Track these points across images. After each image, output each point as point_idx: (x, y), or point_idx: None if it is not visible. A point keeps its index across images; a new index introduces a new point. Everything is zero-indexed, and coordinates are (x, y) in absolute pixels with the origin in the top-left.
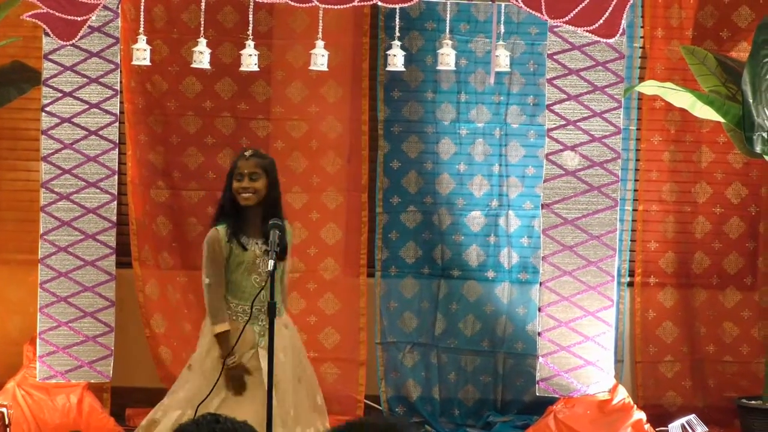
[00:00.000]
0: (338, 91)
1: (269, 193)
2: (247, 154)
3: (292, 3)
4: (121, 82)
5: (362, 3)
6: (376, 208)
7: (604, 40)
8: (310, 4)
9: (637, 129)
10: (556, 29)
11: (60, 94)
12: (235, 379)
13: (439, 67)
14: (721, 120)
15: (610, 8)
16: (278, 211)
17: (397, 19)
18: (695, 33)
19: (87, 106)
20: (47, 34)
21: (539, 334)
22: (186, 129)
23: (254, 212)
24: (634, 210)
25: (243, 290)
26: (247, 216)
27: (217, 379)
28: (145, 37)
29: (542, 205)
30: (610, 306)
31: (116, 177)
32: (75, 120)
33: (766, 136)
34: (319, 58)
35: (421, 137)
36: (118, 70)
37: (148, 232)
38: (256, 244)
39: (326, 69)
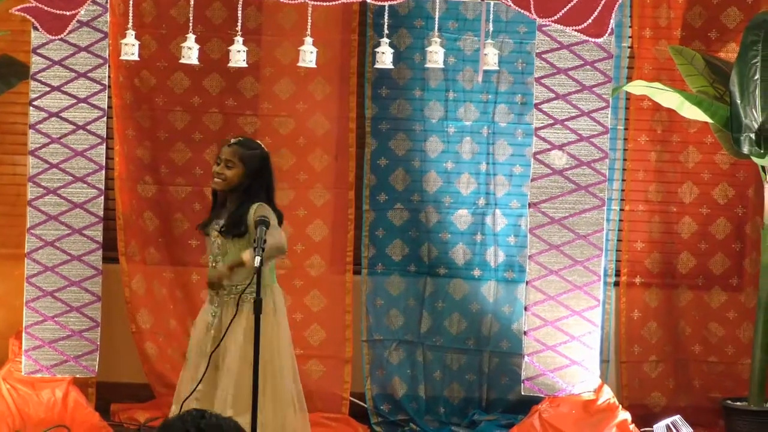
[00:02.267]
0: (326, 88)
1: (242, 183)
2: (232, 140)
3: None
4: (109, 77)
5: (351, 0)
6: (363, 205)
7: (593, 40)
8: (298, 1)
9: (624, 129)
10: (544, 28)
11: (48, 89)
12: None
13: (428, 65)
14: (709, 120)
15: (599, 8)
16: (255, 198)
17: (386, 17)
18: (683, 33)
19: (75, 101)
20: (36, 28)
21: (525, 333)
22: (174, 124)
23: (230, 197)
24: (620, 210)
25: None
26: (222, 198)
27: (203, 373)
28: (133, 32)
29: (529, 204)
30: (597, 306)
31: (104, 172)
32: (63, 114)
33: (753, 137)
34: (308, 55)
35: (409, 135)
36: (107, 65)
37: (134, 228)
38: (217, 224)
39: (314, 66)
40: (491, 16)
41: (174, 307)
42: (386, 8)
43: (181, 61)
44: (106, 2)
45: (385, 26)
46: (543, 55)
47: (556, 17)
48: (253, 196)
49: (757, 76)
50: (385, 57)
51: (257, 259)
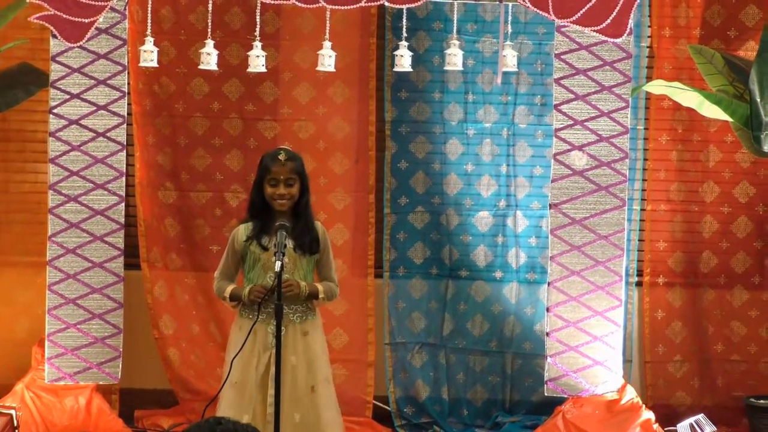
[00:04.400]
0: (345, 92)
1: (302, 195)
2: (281, 158)
3: (299, 4)
4: (128, 83)
5: (369, 3)
6: (384, 208)
7: (612, 40)
8: (317, 5)
9: (644, 128)
10: (563, 29)
11: (67, 96)
12: (256, 296)
13: (447, 68)
14: (729, 119)
15: (617, 8)
16: (308, 209)
17: (404, 20)
18: (702, 32)
19: (94, 108)
20: (54, 36)
21: (547, 334)
22: (194, 130)
23: (285, 212)
24: (642, 209)
25: None
26: (275, 216)
27: (226, 377)
28: (152, 39)
29: (550, 205)
30: (619, 306)
31: (124, 179)
32: (83, 122)
33: None
34: (327, 59)
35: (429, 137)
36: (126, 72)
37: (156, 234)
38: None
39: (333, 70)
40: (510, 18)
41: (197, 312)
42: (404, 11)
43: (200, 66)
44: (125, 9)
45: (404, 29)
46: (562, 56)
47: (574, 18)
48: (303, 206)
49: None
50: (403, 60)
51: (278, 264)
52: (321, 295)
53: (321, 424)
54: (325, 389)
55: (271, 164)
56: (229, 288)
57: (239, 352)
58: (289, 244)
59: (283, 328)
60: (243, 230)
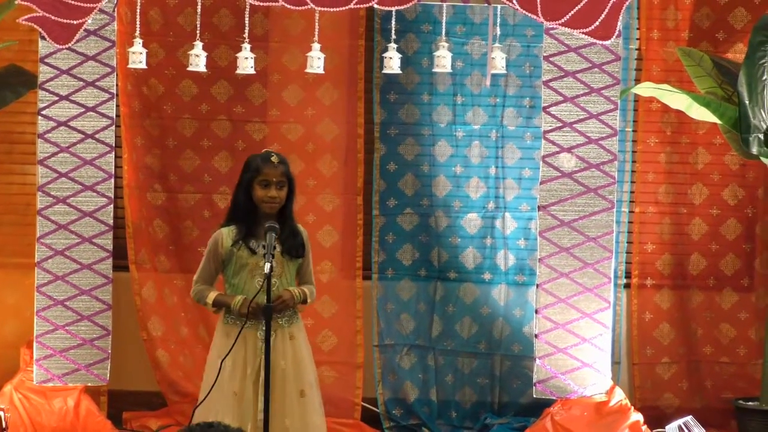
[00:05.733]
0: (334, 94)
1: (289, 199)
2: (274, 160)
3: (288, 6)
4: (117, 85)
5: (358, 5)
6: (373, 210)
7: (600, 42)
8: (306, 7)
9: (633, 131)
10: (551, 31)
11: (56, 98)
12: (251, 314)
13: (435, 70)
14: (718, 121)
15: (606, 10)
16: (292, 213)
17: (393, 22)
18: (691, 34)
19: (83, 110)
20: (43, 38)
21: (536, 336)
22: (182, 132)
23: (270, 216)
24: (630, 212)
25: (246, 293)
26: (261, 219)
27: (215, 379)
28: (141, 41)
29: (539, 207)
30: (607, 308)
31: (113, 180)
32: (71, 123)
33: (762, 138)
34: (315, 61)
35: (418, 139)
36: (114, 74)
37: (144, 236)
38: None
39: (322, 72)
40: (498, 20)
41: (185, 314)
42: (393, 13)
43: (188, 68)
44: (113, 11)
45: (393, 31)
46: (551, 58)
47: (563, 20)
48: (289, 210)
49: (765, 77)
50: (392, 62)
51: (267, 266)
52: (309, 300)
53: (309, 430)
54: (312, 393)
55: (263, 165)
56: (212, 294)
57: (227, 356)
58: (277, 248)
59: (273, 332)
60: (227, 234)
